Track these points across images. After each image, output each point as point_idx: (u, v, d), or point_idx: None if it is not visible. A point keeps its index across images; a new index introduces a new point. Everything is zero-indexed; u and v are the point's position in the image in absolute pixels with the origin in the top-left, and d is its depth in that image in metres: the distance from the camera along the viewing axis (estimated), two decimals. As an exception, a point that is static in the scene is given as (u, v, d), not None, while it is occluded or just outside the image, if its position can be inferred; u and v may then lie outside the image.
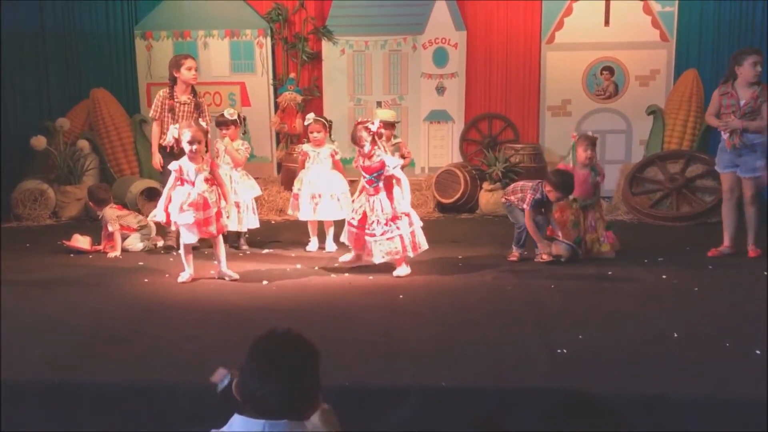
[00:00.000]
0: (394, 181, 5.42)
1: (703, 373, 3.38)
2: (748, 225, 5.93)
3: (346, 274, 5.44)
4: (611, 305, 4.54)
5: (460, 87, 9.04)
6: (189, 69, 6.29)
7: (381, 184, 5.39)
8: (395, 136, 6.75)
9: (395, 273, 5.37)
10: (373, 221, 5.36)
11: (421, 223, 5.53)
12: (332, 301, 4.70)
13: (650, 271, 5.42)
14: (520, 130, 9.00)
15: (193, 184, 5.18)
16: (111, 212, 6.37)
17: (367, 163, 5.41)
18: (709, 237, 6.83)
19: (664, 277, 5.25)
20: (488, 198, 8.29)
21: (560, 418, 3.17)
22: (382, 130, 5.49)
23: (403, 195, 5.42)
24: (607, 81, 8.84)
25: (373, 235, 5.34)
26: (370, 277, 5.33)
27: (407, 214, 5.41)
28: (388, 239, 5.31)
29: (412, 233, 5.40)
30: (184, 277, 5.29)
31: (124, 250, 6.32)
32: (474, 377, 3.33)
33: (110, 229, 6.32)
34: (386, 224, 5.33)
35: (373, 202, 5.40)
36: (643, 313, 4.36)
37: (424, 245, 5.47)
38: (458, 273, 5.48)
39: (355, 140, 5.43)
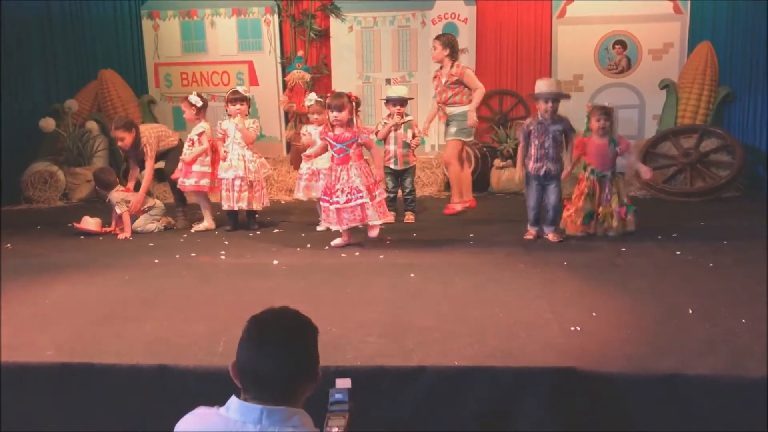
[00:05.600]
0: (363, 150, 5.60)
1: (718, 351, 3.32)
2: (452, 183, 7.05)
3: (357, 254, 5.41)
4: (625, 282, 4.48)
5: (471, 63, 8.90)
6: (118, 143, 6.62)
7: (351, 153, 5.47)
8: (407, 114, 6.68)
9: (369, 234, 5.58)
10: (338, 189, 5.45)
11: (385, 195, 5.72)
12: (343, 280, 4.66)
13: (664, 247, 5.35)
14: (531, 106, 8.90)
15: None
16: (118, 195, 6.35)
17: (338, 132, 5.46)
18: (724, 212, 6.78)
19: (678, 253, 5.19)
20: (499, 175, 8.23)
21: (574, 397, 3.14)
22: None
23: (375, 164, 5.64)
24: (619, 55, 8.72)
25: (337, 203, 5.44)
26: (381, 256, 5.29)
27: (376, 184, 5.56)
28: (351, 208, 5.44)
29: (379, 203, 5.54)
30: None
31: (134, 232, 6.31)
32: (486, 357, 3.30)
33: (118, 211, 6.30)
34: (350, 192, 5.43)
35: (340, 170, 5.47)
36: (657, 289, 4.30)
37: (388, 217, 5.68)
38: (470, 251, 5.43)
39: (339, 107, 5.43)
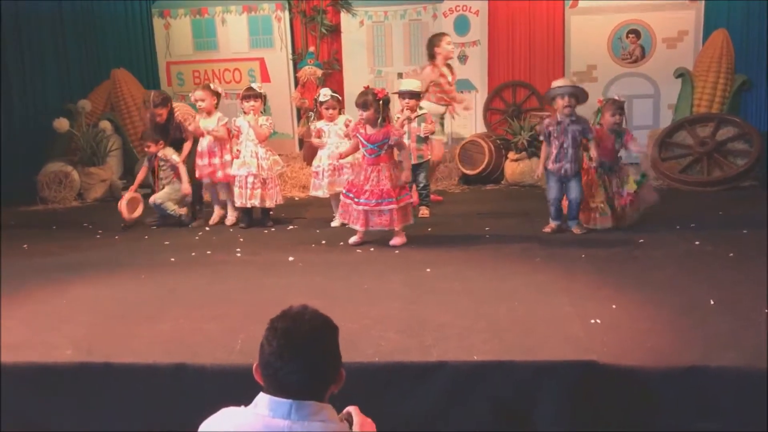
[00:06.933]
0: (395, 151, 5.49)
1: (740, 343, 3.28)
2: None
3: (372, 249, 5.38)
4: (644, 273, 4.44)
5: (483, 55, 8.87)
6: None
7: (383, 154, 5.38)
8: (421, 107, 6.64)
9: (391, 243, 5.43)
10: (367, 191, 5.35)
11: (410, 199, 5.58)
12: (359, 276, 4.64)
13: (683, 238, 5.29)
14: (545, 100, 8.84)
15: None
16: (169, 150, 6.47)
17: (370, 131, 5.38)
18: (742, 201, 6.70)
19: (697, 243, 5.13)
20: (514, 168, 8.17)
21: (594, 390, 3.10)
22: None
23: (404, 165, 5.51)
24: (633, 44, 8.63)
25: (367, 205, 5.34)
26: (396, 252, 5.27)
27: (405, 188, 5.46)
28: (380, 211, 5.33)
29: (405, 207, 5.43)
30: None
31: (138, 222, 6.44)
32: (506, 351, 3.27)
33: (175, 160, 6.41)
34: (381, 196, 5.33)
35: (370, 171, 5.39)
36: (677, 280, 4.26)
37: (410, 220, 5.55)
38: (486, 245, 5.40)
39: (362, 105, 5.37)
